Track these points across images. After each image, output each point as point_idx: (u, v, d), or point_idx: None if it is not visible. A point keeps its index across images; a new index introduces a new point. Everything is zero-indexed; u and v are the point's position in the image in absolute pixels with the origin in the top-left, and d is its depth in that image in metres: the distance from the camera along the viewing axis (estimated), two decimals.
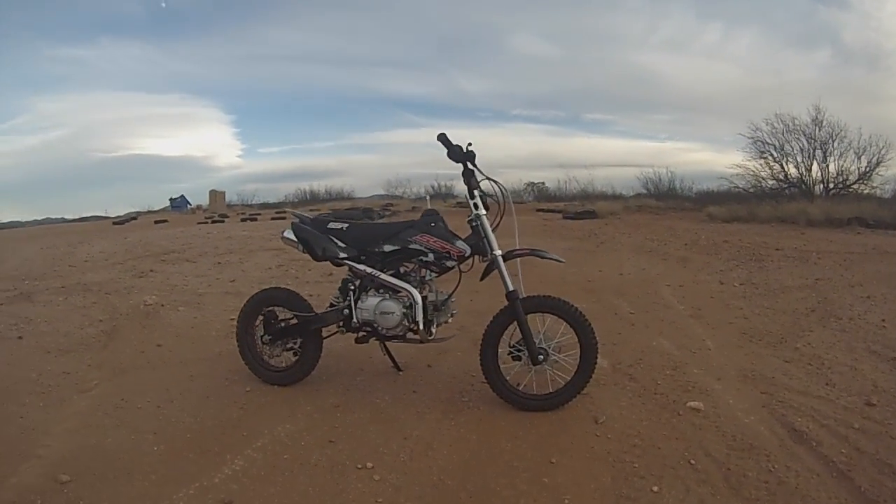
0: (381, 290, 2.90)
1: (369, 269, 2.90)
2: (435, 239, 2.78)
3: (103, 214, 20.26)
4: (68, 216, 21.48)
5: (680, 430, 2.51)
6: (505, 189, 2.84)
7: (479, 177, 2.81)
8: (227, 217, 17.34)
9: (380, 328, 2.88)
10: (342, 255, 2.96)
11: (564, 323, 2.70)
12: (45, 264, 7.41)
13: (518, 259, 2.78)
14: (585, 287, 5.25)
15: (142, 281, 6.18)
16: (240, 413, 2.78)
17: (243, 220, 16.04)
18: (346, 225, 3.00)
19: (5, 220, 21.61)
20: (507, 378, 2.75)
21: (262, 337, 3.13)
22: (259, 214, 18.12)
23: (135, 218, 18.24)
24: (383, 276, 2.87)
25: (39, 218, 22.27)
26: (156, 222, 16.09)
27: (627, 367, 3.22)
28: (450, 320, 2.94)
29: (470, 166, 2.78)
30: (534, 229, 9.78)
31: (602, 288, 5.21)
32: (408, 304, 2.81)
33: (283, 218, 14.54)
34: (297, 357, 3.10)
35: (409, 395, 2.95)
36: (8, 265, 7.38)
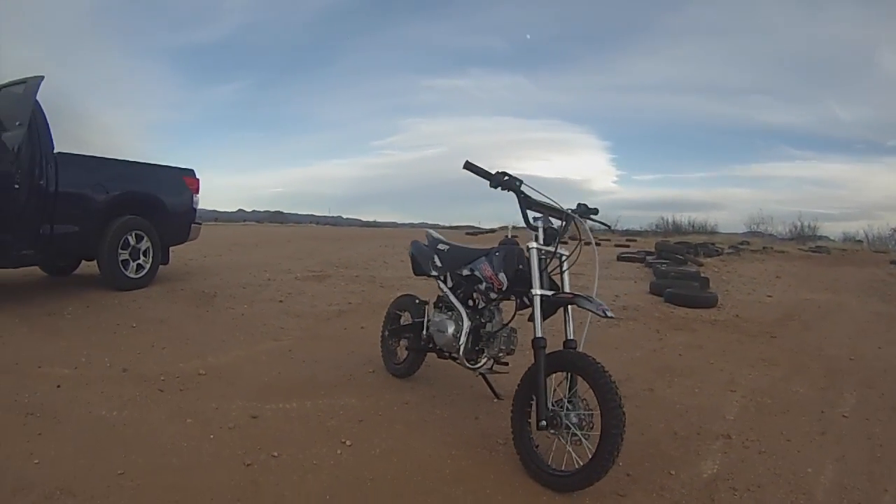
0: (452, 310, 3.06)
1: (445, 288, 3.11)
2: (488, 267, 2.79)
3: (476, 226, 23.72)
4: (442, 223, 26.03)
5: None
6: (579, 222, 2.66)
7: (542, 202, 2.65)
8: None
9: (437, 344, 3.09)
10: (433, 272, 3.24)
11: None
12: (366, 258, 9.83)
13: (588, 308, 2.44)
14: (835, 365, 4.26)
15: (421, 282, 7.57)
16: (342, 382, 3.43)
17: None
18: (449, 247, 3.25)
19: (383, 220, 27.76)
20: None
21: (384, 333, 3.74)
22: (606, 241, 19.03)
23: (493, 231, 20.62)
24: (451, 295, 3.04)
25: (415, 222, 27.66)
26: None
27: (721, 490, 2.42)
28: (502, 356, 2.87)
29: (524, 192, 2.62)
30: (860, 283, 8.13)
31: (854, 370, 4.13)
32: (461, 327, 2.91)
33: (627, 247, 14.93)
34: (407, 355, 3.56)
35: (468, 420, 2.99)
36: (341, 255, 10.09)
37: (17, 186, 4.50)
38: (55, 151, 4.90)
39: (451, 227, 24.12)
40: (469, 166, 2.63)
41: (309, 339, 4.41)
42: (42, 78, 4.66)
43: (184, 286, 5.83)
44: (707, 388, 3.67)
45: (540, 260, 2.56)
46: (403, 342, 3.62)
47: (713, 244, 12.43)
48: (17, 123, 4.49)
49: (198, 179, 6.23)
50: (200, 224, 6.49)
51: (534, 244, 2.57)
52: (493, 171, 2.62)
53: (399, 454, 2.55)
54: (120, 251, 5.30)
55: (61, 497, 1.92)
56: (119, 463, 2.21)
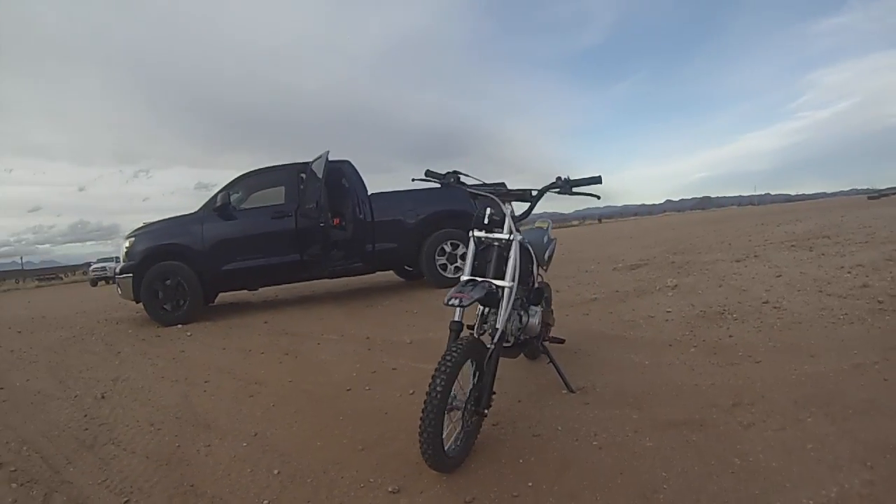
0: None
1: None
2: None
3: None
4: (875, 187, 19.77)
5: None
6: (504, 203, 2.80)
7: (477, 189, 2.88)
8: None
9: None
10: None
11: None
12: (716, 242, 10.39)
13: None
14: None
15: (738, 266, 7.28)
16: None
17: None
18: None
19: (810, 191, 21.93)
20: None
21: None
22: None
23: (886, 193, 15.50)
24: None
25: (846, 189, 21.67)
26: None
27: None
28: (514, 333, 3.07)
29: (464, 184, 2.95)
30: None
31: None
32: None
33: None
34: None
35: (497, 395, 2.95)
36: (698, 240, 10.58)
37: (322, 224, 6.97)
38: (369, 194, 7.56)
39: (875, 190, 17.89)
40: (428, 174, 3.00)
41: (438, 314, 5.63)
42: (328, 151, 6.98)
43: None
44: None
45: (476, 246, 2.82)
46: None
47: None
48: (317, 185, 6.91)
49: None
50: None
51: (474, 232, 2.81)
52: (443, 173, 2.95)
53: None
54: (437, 258, 7.59)
55: (255, 386, 4.16)
56: (293, 375, 4.34)
